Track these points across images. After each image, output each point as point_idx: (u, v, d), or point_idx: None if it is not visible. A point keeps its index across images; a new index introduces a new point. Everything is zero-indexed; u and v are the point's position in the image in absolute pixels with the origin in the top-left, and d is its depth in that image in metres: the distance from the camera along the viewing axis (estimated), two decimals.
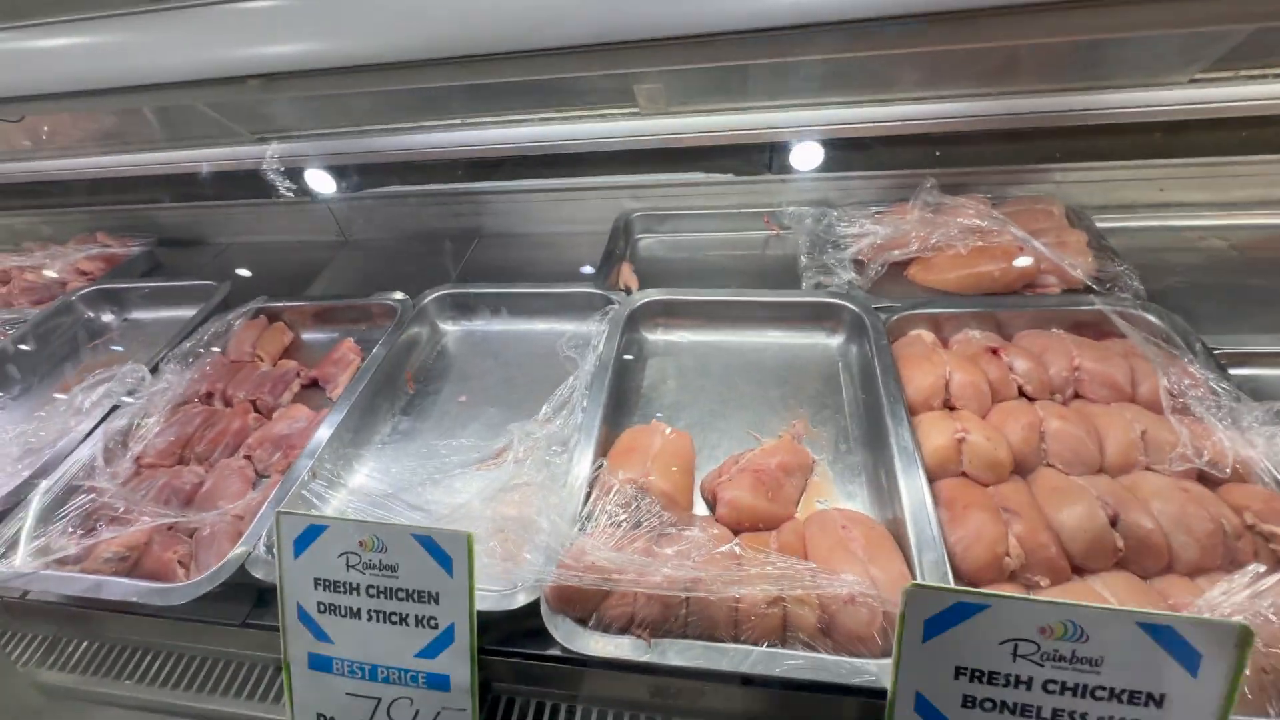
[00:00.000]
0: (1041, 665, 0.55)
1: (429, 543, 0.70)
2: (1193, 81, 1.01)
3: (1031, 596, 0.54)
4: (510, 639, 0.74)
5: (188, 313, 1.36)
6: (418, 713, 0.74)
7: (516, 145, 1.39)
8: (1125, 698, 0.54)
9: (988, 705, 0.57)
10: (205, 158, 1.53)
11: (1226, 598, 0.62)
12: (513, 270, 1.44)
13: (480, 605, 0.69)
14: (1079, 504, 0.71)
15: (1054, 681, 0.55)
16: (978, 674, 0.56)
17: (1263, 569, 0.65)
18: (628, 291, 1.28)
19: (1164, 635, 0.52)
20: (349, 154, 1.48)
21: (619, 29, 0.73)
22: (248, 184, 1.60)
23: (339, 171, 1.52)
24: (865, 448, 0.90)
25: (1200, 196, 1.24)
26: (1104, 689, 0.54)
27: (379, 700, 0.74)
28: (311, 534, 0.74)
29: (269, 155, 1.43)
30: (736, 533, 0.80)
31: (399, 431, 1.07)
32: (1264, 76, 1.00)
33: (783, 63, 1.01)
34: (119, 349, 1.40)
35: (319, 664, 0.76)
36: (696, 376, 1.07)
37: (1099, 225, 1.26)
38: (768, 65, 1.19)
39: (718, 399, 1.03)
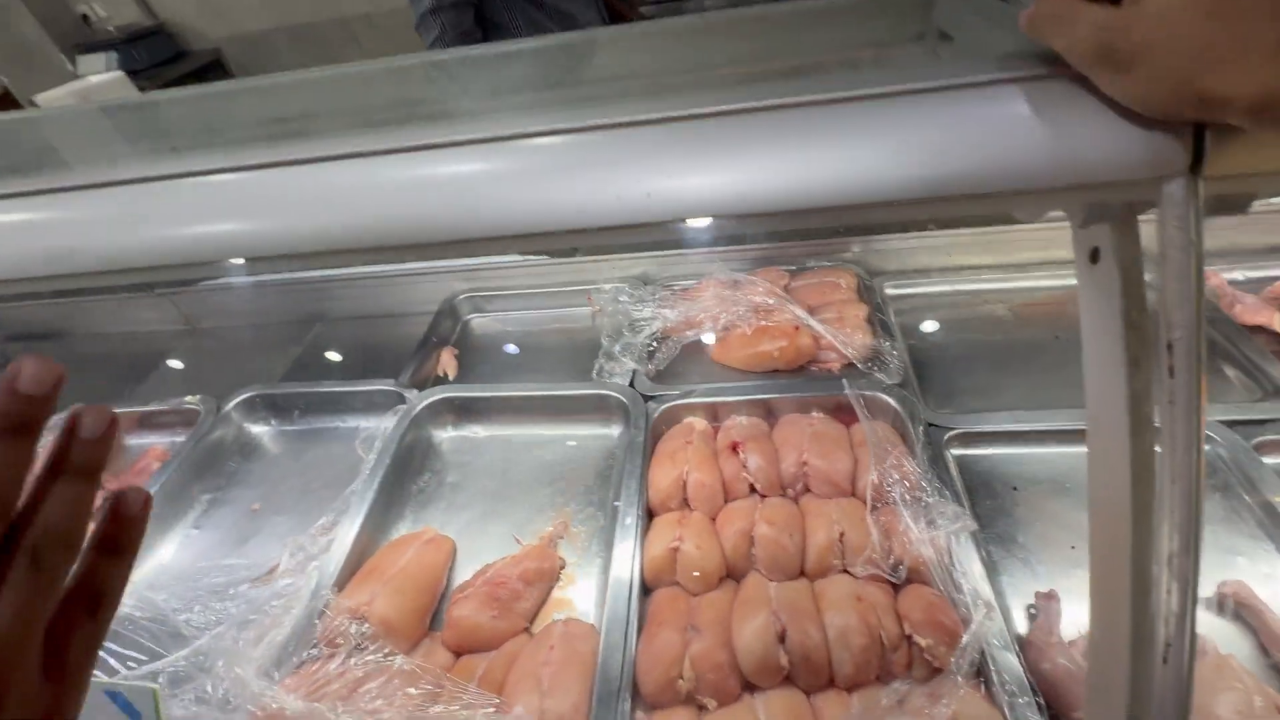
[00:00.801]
0: None
1: (119, 698, 0.71)
2: None
3: None
4: None
5: None
6: None
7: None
8: None
9: None
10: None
11: (863, 717, 0.65)
12: (351, 353, 1.46)
13: None
14: (756, 619, 0.73)
15: None
16: None
17: (904, 687, 0.67)
18: (446, 377, 1.31)
19: None
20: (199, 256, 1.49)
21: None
22: (99, 280, 1.61)
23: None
24: (608, 551, 0.92)
25: (984, 260, 1.29)
26: None
27: None
28: None
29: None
30: (461, 654, 0.82)
31: (185, 547, 1.07)
32: None
33: None
34: None
35: None
36: (478, 474, 1.09)
37: (895, 291, 1.32)
38: None
39: (494, 498, 1.05)
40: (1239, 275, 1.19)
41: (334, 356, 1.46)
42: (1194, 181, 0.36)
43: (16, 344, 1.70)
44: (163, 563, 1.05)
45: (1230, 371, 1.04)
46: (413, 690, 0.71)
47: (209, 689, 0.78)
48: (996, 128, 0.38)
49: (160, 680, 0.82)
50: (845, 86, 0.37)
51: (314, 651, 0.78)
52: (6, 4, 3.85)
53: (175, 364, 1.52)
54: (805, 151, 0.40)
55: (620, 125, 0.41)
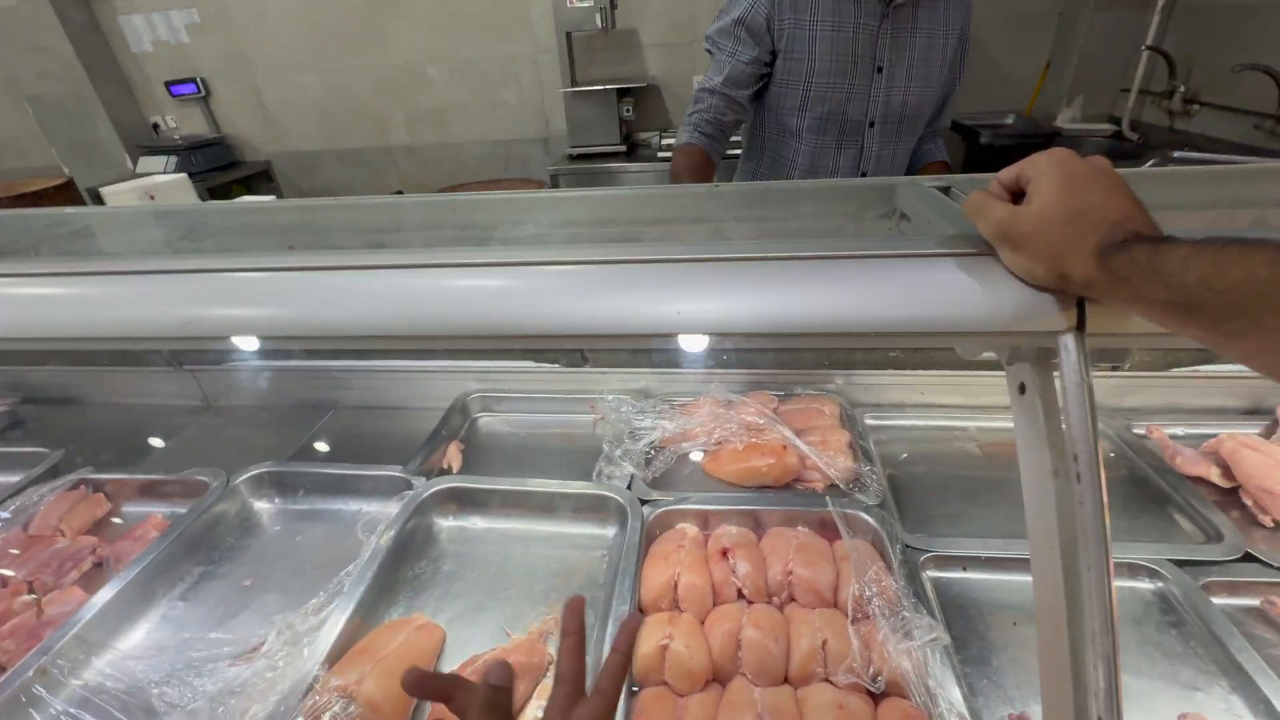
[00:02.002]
0: None
1: None
2: None
3: None
4: None
5: (17, 478, 1.37)
6: None
7: (375, 335, 1.54)
8: None
9: None
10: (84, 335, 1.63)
11: None
12: (360, 441, 1.52)
13: None
14: (742, 718, 0.75)
15: None
16: None
17: None
18: (450, 469, 1.36)
19: None
20: (224, 338, 1.60)
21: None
22: (123, 353, 1.71)
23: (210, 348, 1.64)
24: (598, 649, 0.94)
25: (953, 400, 1.43)
26: None
27: None
28: None
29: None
30: None
31: (168, 619, 1.06)
32: None
33: None
34: None
35: None
36: (474, 565, 1.12)
37: (874, 422, 1.43)
38: None
39: (487, 589, 1.07)
40: (1180, 430, 1.33)
41: (343, 442, 1.52)
42: (1081, 337, 0.49)
43: (28, 406, 1.74)
44: (143, 633, 1.04)
45: (1178, 517, 1.13)
46: None
47: None
48: (939, 287, 0.51)
49: None
50: (831, 249, 0.51)
51: None
52: (88, 106, 4.32)
53: (186, 438, 1.57)
54: (796, 292, 0.53)
55: (649, 261, 0.55)
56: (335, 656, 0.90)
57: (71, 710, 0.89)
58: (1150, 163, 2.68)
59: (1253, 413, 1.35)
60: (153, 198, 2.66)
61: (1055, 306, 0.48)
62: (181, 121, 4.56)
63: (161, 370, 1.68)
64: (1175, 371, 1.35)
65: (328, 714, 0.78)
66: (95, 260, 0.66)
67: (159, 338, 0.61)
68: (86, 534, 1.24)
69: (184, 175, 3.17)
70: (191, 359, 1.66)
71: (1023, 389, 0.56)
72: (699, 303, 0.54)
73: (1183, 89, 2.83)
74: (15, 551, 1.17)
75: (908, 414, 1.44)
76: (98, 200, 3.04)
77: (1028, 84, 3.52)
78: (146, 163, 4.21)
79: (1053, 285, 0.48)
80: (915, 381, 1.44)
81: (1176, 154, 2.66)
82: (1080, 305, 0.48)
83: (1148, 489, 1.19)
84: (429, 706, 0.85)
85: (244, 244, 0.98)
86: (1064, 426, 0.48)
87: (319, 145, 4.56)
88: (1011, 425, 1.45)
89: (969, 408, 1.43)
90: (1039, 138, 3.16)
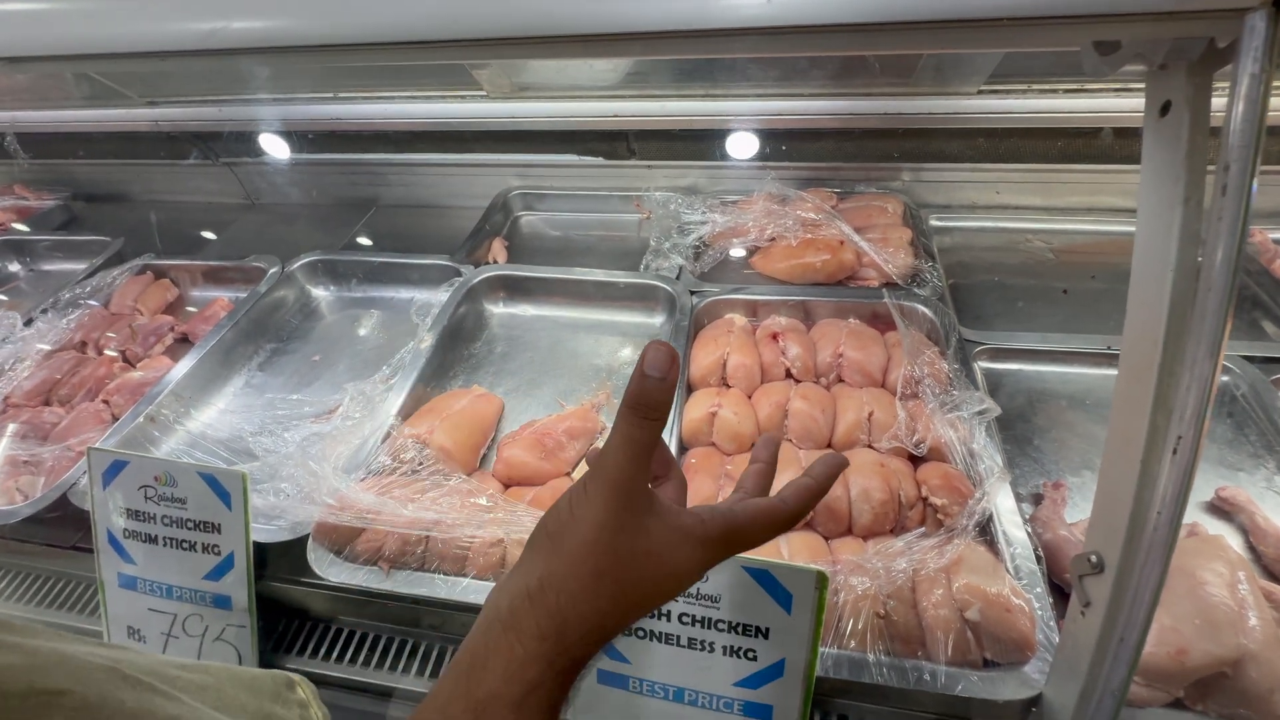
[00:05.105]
0: None
1: (211, 480, 0.80)
2: (979, 92, 1.08)
3: None
4: (295, 569, 0.84)
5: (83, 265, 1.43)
6: (207, 628, 0.84)
7: (412, 120, 1.45)
8: (740, 629, 0.64)
9: None
10: (119, 118, 1.58)
11: (878, 557, 0.72)
12: (402, 238, 1.52)
13: (257, 537, 0.79)
14: (785, 472, 0.79)
15: (685, 614, 0.64)
16: None
17: (919, 535, 0.74)
18: (495, 264, 1.36)
19: (762, 578, 0.62)
20: (256, 120, 1.53)
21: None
22: (161, 145, 1.67)
23: (246, 138, 1.58)
24: None
25: (1031, 200, 1.31)
26: (724, 622, 0.64)
27: (175, 616, 0.85)
28: (116, 469, 0.83)
29: (171, 118, 1.50)
30: (509, 486, 0.90)
31: (251, 385, 1.16)
32: (1053, 91, 1.07)
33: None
34: (21, 297, 1.48)
35: (126, 583, 0.86)
36: (525, 347, 1.16)
37: (940, 223, 1.34)
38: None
39: (540, 368, 1.12)
40: None
41: (387, 237, 1.52)
42: (1276, 14, 0.39)
43: (79, 202, 1.76)
44: (231, 396, 1.14)
45: (1261, 319, 1.07)
46: (483, 499, 0.79)
47: (285, 487, 0.87)
48: None
49: None
50: None
51: (383, 461, 0.86)
52: None
53: (235, 232, 1.59)
54: None
55: None
56: (406, 414, 0.97)
57: (184, 447, 1.00)
58: None
59: None
60: None
61: None
62: None
63: (201, 165, 1.65)
64: None
65: (406, 454, 0.86)
66: None
67: (181, 51, 0.55)
68: (164, 314, 1.32)
69: None
70: (227, 151, 1.61)
71: (1165, 109, 0.48)
72: None
73: None
74: (99, 327, 1.25)
75: (978, 215, 1.34)
76: None
77: None
78: None
79: None
80: (992, 178, 1.31)
81: None
82: None
83: None
84: (495, 453, 0.93)
85: None
86: (1225, 133, 0.41)
87: None
88: (1090, 229, 1.33)
89: (1047, 209, 1.31)
90: None
